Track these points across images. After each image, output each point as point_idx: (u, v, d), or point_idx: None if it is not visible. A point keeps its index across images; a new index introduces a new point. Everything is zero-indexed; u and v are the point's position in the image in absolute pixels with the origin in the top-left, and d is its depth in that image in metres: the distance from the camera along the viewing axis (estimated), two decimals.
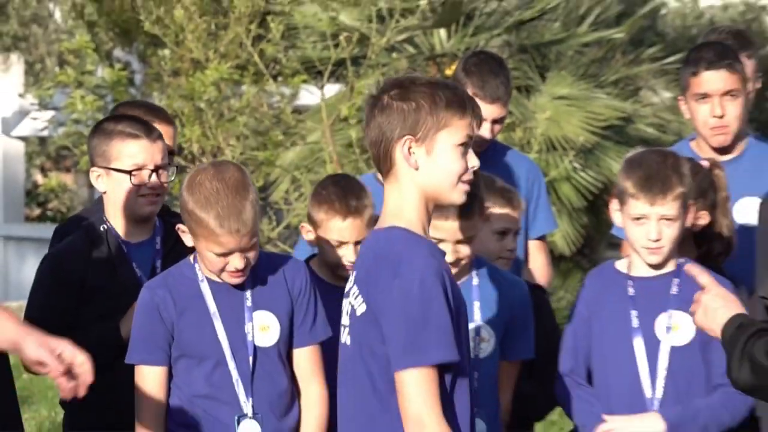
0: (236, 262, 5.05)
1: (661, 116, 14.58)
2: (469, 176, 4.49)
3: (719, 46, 6.46)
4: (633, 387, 5.35)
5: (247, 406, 5.16)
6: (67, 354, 4.58)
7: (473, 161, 4.50)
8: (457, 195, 4.50)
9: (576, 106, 13.64)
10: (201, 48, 11.98)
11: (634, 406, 5.34)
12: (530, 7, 14.41)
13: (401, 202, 4.49)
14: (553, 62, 14.22)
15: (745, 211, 5.89)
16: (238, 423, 5.15)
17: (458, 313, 4.43)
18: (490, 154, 6.31)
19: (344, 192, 5.64)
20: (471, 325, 5.21)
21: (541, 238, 6.66)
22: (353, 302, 4.48)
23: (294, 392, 5.28)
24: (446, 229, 5.22)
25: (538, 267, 6.49)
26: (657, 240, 5.34)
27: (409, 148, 4.42)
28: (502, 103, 6.38)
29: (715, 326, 4.00)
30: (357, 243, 5.51)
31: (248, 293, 5.21)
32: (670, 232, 5.35)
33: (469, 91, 6.14)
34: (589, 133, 13.47)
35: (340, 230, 5.58)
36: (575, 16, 14.90)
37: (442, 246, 4.82)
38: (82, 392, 4.50)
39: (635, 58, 15.36)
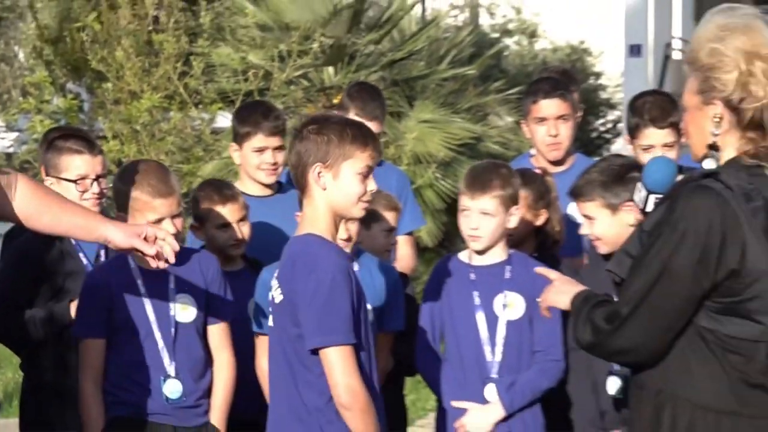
0: (168, 226, 5.04)
1: (505, 136, 14.64)
2: (368, 197, 4.50)
3: (553, 80, 6.54)
4: (478, 353, 5.29)
5: (170, 369, 5.15)
6: (149, 233, 4.60)
7: (371, 186, 4.50)
8: (357, 211, 4.52)
9: (437, 128, 13.63)
10: (137, 82, 11.93)
11: (480, 368, 5.29)
12: (400, 49, 14.41)
13: (315, 214, 4.50)
14: (419, 93, 14.22)
15: (574, 214, 5.95)
16: (164, 382, 5.14)
17: (359, 301, 4.45)
18: None
19: (218, 187, 5.73)
20: None
21: (409, 234, 6.66)
22: (274, 293, 4.48)
23: (208, 360, 5.29)
24: None
25: (404, 257, 6.48)
26: (475, 229, 5.33)
27: (319, 173, 4.43)
28: (378, 122, 6.40)
29: (567, 300, 3.95)
30: (239, 221, 5.64)
31: (171, 278, 5.21)
32: (487, 224, 5.33)
33: (353, 112, 6.18)
34: (447, 150, 13.48)
35: (221, 214, 5.59)
36: (436, 56, 14.95)
37: None
38: (172, 258, 4.60)
39: (484, 89, 15.39)
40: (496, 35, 29.93)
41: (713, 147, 3.64)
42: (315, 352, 4.38)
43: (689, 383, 3.59)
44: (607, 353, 3.79)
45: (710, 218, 3.49)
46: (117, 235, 4.55)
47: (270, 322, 4.60)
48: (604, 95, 29.52)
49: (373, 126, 6.21)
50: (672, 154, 5.55)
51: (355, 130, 4.52)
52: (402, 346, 5.63)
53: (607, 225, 5.15)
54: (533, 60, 29.38)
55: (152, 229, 4.64)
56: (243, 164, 6.01)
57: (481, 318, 5.31)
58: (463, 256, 5.41)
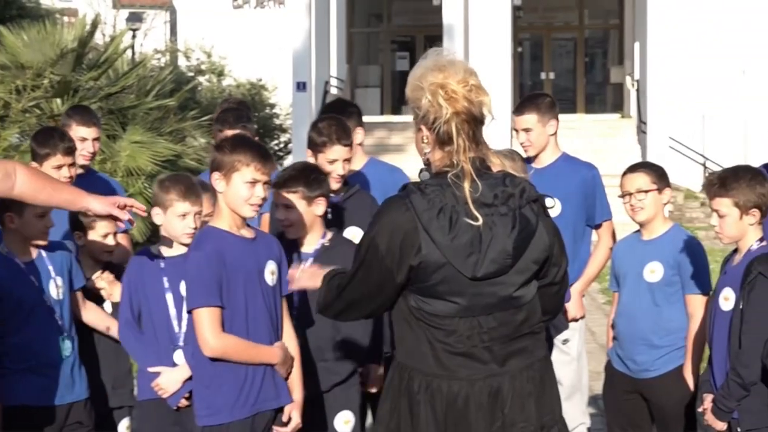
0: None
1: (200, 154, 14.68)
2: (256, 201, 4.49)
3: (235, 110, 6.39)
4: (168, 326, 5.05)
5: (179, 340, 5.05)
6: (121, 201, 4.61)
7: (259, 193, 4.49)
8: (248, 211, 4.53)
9: (145, 147, 13.57)
10: None
11: (170, 338, 5.06)
12: (115, 84, 14.32)
13: (219, 207, 4.57)
14: (130, 120, 14.13)
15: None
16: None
17: (237, 276, 4.47)
18: (89, 179, 6.01)
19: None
20: None
21: (125, 232, 6.53)
22: None
23: None
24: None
25: (124, 252, 6.04)
26: (196, 229, 5.04)
27: (217, 179, 4.50)
28: (97, 126, 6.22)
29: (318, 280, 3.87)
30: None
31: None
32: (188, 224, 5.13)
33: (73, 122, 6.08)
34: (154, 165, 13.44)
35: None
36: (144, 90, 14.87)
37: None
38: (143, 213, 4.62)
39: (182, 117, 15.40)
40: (191, 74, 29.99)
41: (427, 163, 3.65)
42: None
43: (408, 353, 3.60)
44: (333, 312, 3.82)
45: (395, 223, 3.54)
46: (96, 205, 4.56)
47: None
48: (277, 122, 29.95)
49: (93, 131, 6.17)
50: (348, 167, 5.46)
51: (254, 150, 4.54)
52: None
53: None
54: (221, 94, 29.52)
55: (123, 199, 4.64)
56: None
57: (169, 298, 5.05)
58: (154, 249, 5.14)
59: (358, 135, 5.93)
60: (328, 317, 3.89)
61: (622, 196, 5.53)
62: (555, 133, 6.06)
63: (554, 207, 5.83)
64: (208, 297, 4.44)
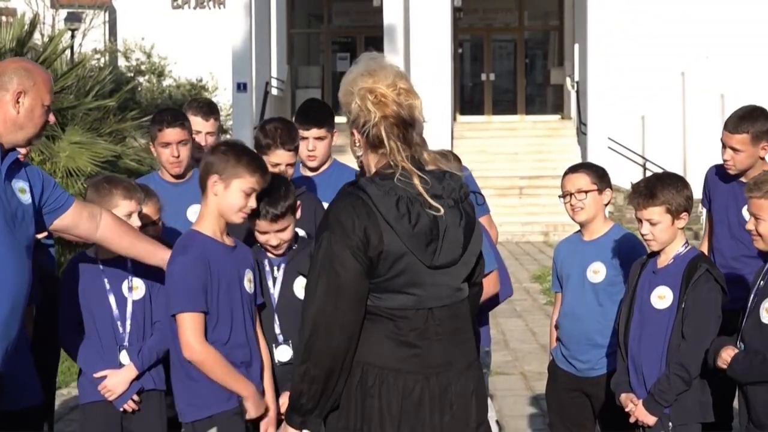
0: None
1: (140, 155, 14.61)
2: (248, 210, 4.59)
3: (173, 111, 6.27)
4: (113, 327, 5.02)
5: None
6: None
7: (252, 203, 4.59)
8: (236, 218, 4.61)
9: (85, 148, 13.44)
10: None
11: (116, 338, 5.03)
12: (54, 85, 14.22)
13: (205, 211, 4.62)
14: (70, 120, 14.00)
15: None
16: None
17: (219, 283, 4.52)
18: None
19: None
20: None
21: None
22: None
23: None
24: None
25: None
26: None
27: (215, 182, 4.56)
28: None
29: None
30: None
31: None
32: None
33: None
34: (93, 166, 13.29)
35: None
36: (83, 91, 14.76)
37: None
38: None
39: (122, 117, 15.22)
40: (131, 74, 29.78)
41: (360, 165, 3.70)
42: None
43: (360, 349, 3.58)
44: (315, 377, 3.60)
45: (352, 215, 3.53)
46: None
47: None
48: None
49: None
50: (291, 171, 5.42)
51: (251, 158, 4.62)
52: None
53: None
54: (161, 94, 29.39)
55: None
56: None
57: (112, 300, 5.05)
58: (90, 252, 5.10)
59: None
60: (318, 388, 3.59)
61: (563, 196, 5.57)
62: None
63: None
64: (193, 302, 4.49)
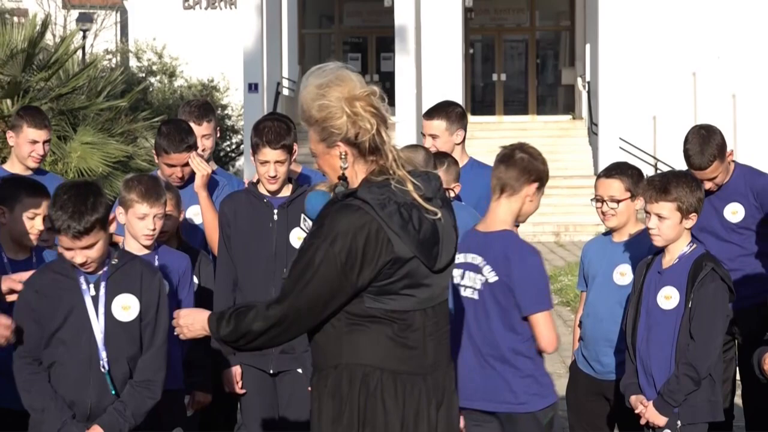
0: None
1: (150, 155, 14.56)
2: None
3: (182, 129, 5.97)
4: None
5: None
6: None
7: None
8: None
9: (96, 148, 13.53)
10: None
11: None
12: (66, 85, 14.23)
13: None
14: (81, 121, 14.08)
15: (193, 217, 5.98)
16: None
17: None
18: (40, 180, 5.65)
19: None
20: None
21: None
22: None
23: None
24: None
25: None
26: (154, 230, 5.05)
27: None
28: (48, 129, 6.26)
29: (203, 326, 3.73)
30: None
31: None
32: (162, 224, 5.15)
33: (24, 124, 6.16)
34: (105, 166, 13.43)
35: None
36: (95, 91, 14.80)
37: None
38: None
39: (134, 118, 15.32)
40: (142, 75, 29.85)
41: (342, 177, 3.59)
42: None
43: (361, 352, 3.56)
44: (254, 339, 3.61)
45: (355, 226, 3.48)
46: None
47: None
48: (229, 123, 29.87)
49: (44, 134, 6.23)
50: (283, 169, 5.40)
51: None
52: None
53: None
54: (173, 95, 29.43)
55: None
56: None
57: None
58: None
59: (458, 135, 6.08)
60: (248, 349, 3.64)
61: (595, 199, 5.50)
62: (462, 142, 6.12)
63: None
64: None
